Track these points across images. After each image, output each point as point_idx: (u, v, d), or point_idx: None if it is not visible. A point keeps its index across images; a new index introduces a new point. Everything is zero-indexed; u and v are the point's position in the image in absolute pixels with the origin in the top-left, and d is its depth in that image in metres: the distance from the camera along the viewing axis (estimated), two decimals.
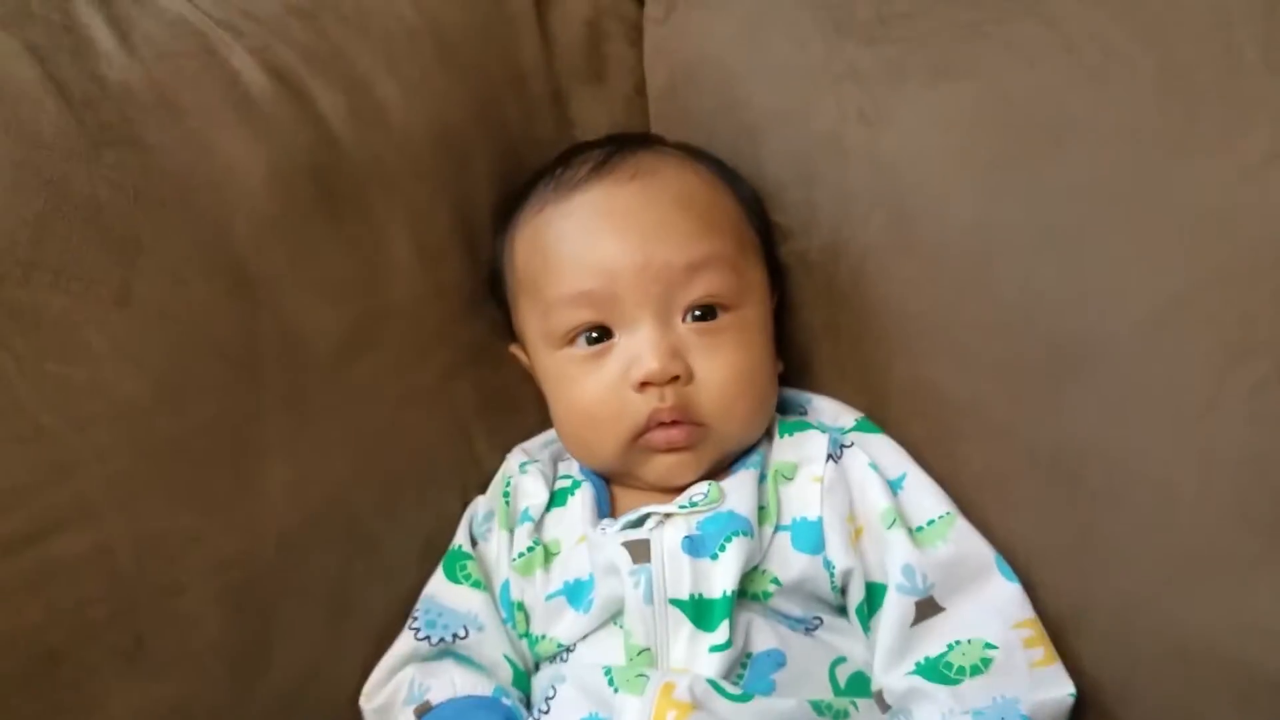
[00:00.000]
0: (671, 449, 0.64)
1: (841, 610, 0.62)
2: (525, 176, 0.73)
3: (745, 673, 0.58)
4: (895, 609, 0.58)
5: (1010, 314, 0.57)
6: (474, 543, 0.69)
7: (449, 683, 0.63)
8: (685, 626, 0.58)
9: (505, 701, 0.63)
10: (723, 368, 0.63)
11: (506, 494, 0.69)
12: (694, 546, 0.59)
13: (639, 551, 0.60)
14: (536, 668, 0.66)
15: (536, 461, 0.70)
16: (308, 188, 0.64)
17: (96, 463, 0.55)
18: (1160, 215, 0.52)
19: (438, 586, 0.68)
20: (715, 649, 0.57)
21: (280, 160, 0.63)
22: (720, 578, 0.58)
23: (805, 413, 0.70)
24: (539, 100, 0.77)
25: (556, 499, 0.68)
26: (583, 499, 0.66)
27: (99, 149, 0.57)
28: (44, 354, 0.54)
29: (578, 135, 0.79)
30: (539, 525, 0.67)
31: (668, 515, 0.61)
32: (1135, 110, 0.53)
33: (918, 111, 0.61)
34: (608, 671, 0.58)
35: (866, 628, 0.60)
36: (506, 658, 0.65)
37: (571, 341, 0.65)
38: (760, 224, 0.70)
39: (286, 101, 0.64)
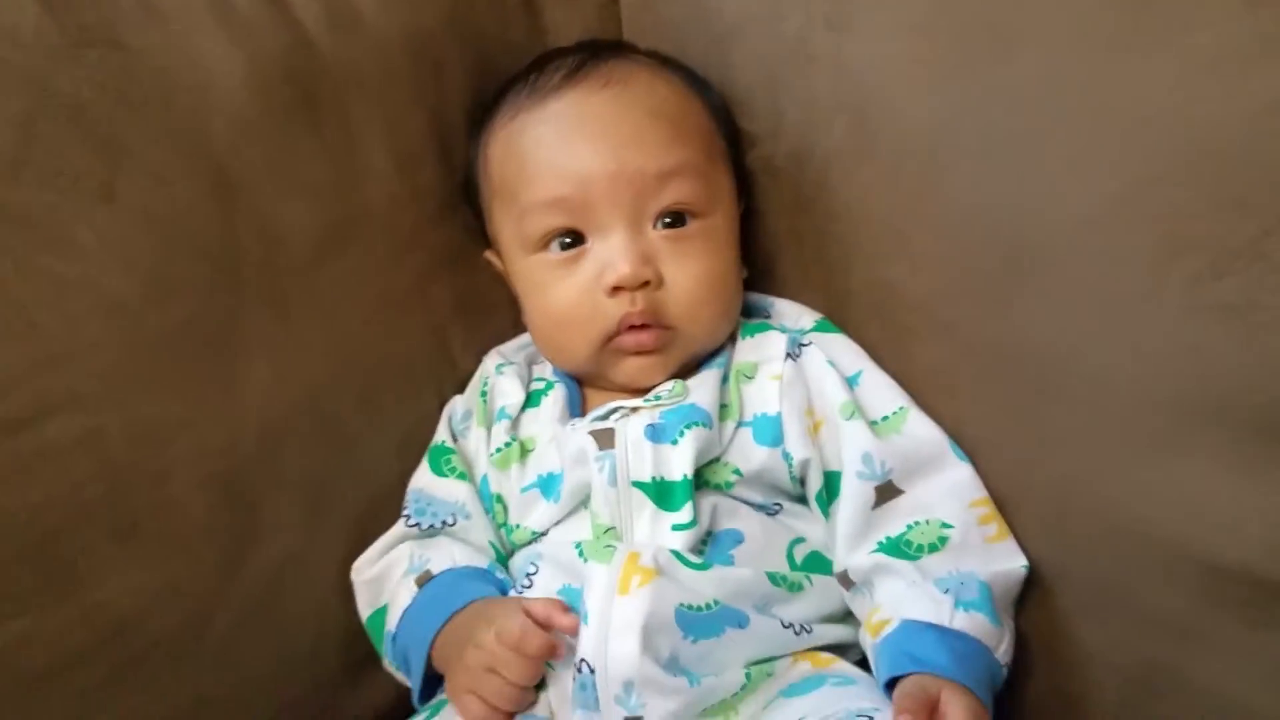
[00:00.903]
0: (640, 352, 0.66)
1: (801, 499, 0.65)
2: (499, 82, 0.74)
3: (706, 548, 0.62)
4: (856, 494, 0.61)
5: (962, 215, 0.59)
6: (454, 438, 0.72)
7: (448, 555, 0.66)
8: (648, 507, 0.61)
9: (499, 575, 0.66)
10: (691, 274, 0.66)
11: (484, 393, 0.72)
12: (655, 433, 0.62)
13: (604, 439, 0.63)
14: (512, 553, 0.69)
15: (513, 364, 0.73)
16: (284, 91, 0.65)
17: (87, 355, 0.58)
18: (1104, 117, 0.53)
19: (425, 479, 0.71)
20: (679, 527, 0.61)
21: (258, 64, 0.64)
22: (678, 462, 0.61)
23: (768, 316, 0.73)
24: (512, 8, 0.78)
25: (531, 399, 0.71)
26: (554, 399, 0.69)
27: (80, 49, 0.59)
28: (34, 250, 0.56)
29: (550, 41, 0.79)
30: (515, 423, 0.70)
31: (635, 409, 0.64)
32: (1086, 11, 0.53)
33: (880, 16, 0.62)
34: (578, 545, 0.62)
35: (826, 513, 0.64)
36: (491, 543, 0.69)
37: (545, 246, 0.67)
38: (729, 132, 0.72)
39: (263, 6, 0.65)
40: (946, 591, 0.57)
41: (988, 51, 0.57)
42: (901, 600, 0.58)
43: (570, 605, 0.57)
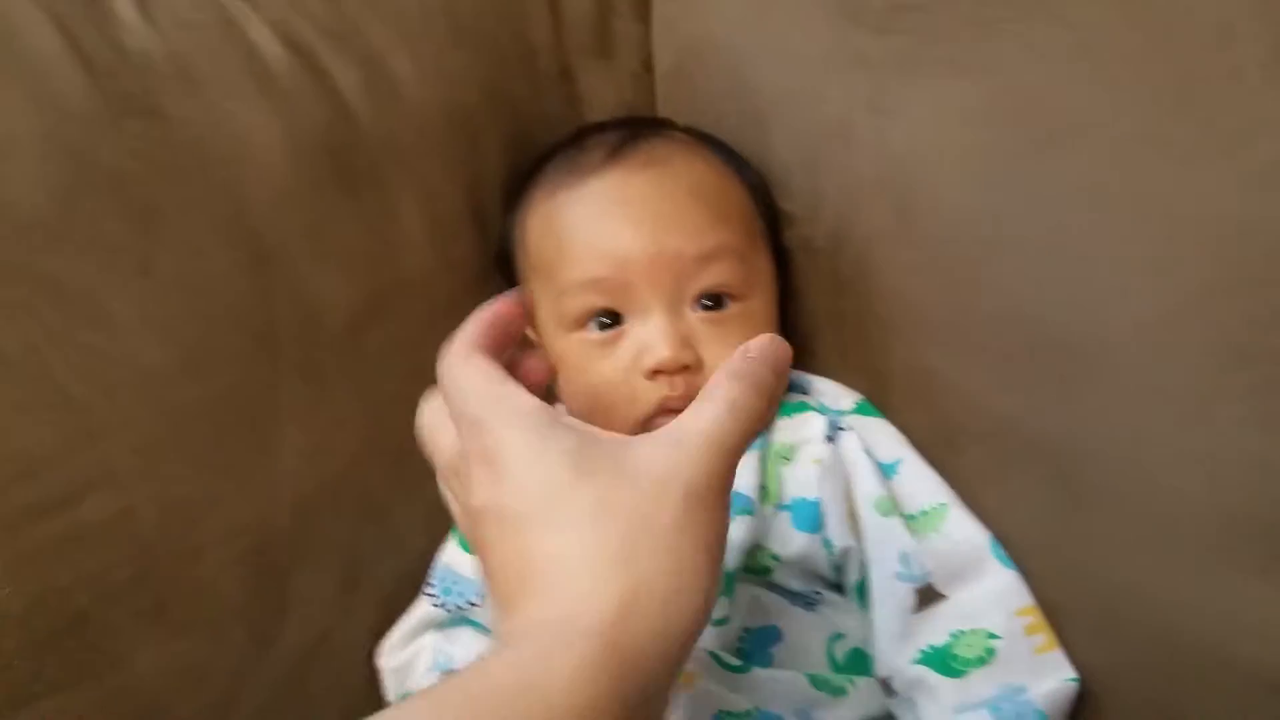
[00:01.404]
0: None
1: (838, 587, 0.64)
2: (535, 153, 0.74)
3: (743, 646, 0.60)
4: (894, 595, 0.60)
5: (1013, 308, 0.59)
6: None
7: (472, 651, 0.65)
8: None
9: None
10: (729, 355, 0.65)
11: None
12: None
13: None
14: None
15: None
16: (323, 162, 0.65)
17: (122, 429, 0.57)
18: (1168, 220, 0.53)
19: (452, 555, 0.69)
20: (714, 623, 0.59)
21: (297, 134, 0.64)
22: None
23: (806, 394, 0.72)
24: (548, 77, 0.78)
25: None
26: None
27: (121, 119, 0.58)
28: (72, 323, 0.55)
29: (585, 112, 0.80)
30: None
31: None
32: (1150, 116, 0.53)
33: (928, 103, 0.62)
34: None
35: (863, 604, 0.62)
36: None
37: (583, 325, 0.66)
38: (767, 211, 0.71)
39: (303, 75, 0.65)
40: None
41: (1044, 144, 0.57)
42: None
43: None
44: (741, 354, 0.47)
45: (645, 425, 0.65)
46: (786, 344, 0.48)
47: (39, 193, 0.55)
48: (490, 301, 0.50)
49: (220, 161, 0.61)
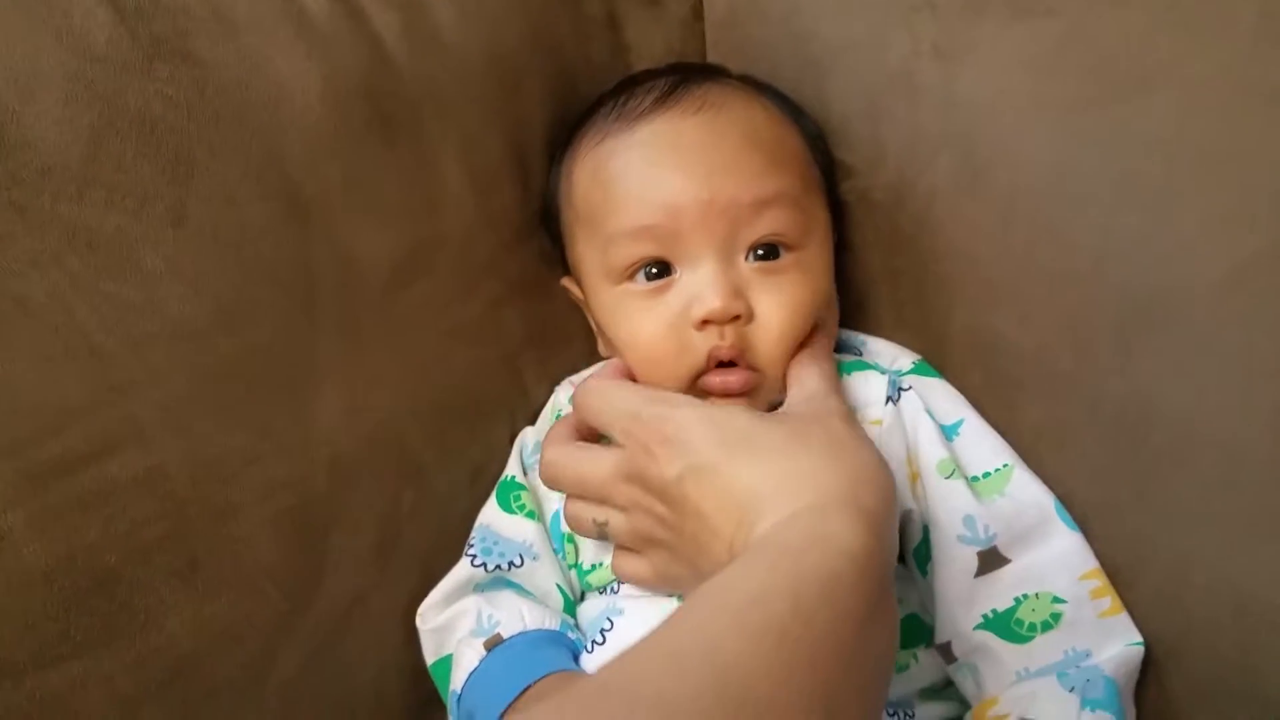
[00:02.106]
0: (727, 394, 0.63)
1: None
2: (581, 104, 0.71)
3: None
4: (957, 559, 0.58)
5: (1082, 264, 0.56)
6: (524, 473, 0.69)
7: (518, 615, 0.63)
8: None
9: (571, 635, 0.63)
10: (783, 308, 0.62)
11: None
12: None
13: None
14: (583, 597, 0.66)
15: None
16: (362, 109, 0.62)
17: (151, 384, 0.55)
18: (1247, 171, 0.50)
19: (492, 515, 0.68)
20: None
21: (335, 80, 0.61)
22: None
23: (860, 354, 0.69)
24: (593, 23, 0.75)
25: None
26: None
27: (152, 62, 0.55)
28: (100, 273, 0.53)
29: (632, 60, 0.77)
30: None
31: None
32: (1229, 60, 0.50)
33: (995, 49, 0.59)
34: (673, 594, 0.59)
35: (923, 571, 0.60)
36: (558, 586, 0.66)
37: (631, 276, 0.64)
38: (824, 162, 0.68)
39: (341, 19, 0.62)
40: (1071, 690, 0.53)
41: (1118, 91, 0.54)
42: (1022, 698, 0.54)
43: None
44: (801, 352, 0.61)
45: (693, 381, 0.62)
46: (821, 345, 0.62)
47: (64, 136, 0.52)
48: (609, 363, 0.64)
49: (255, 107, 0.59)
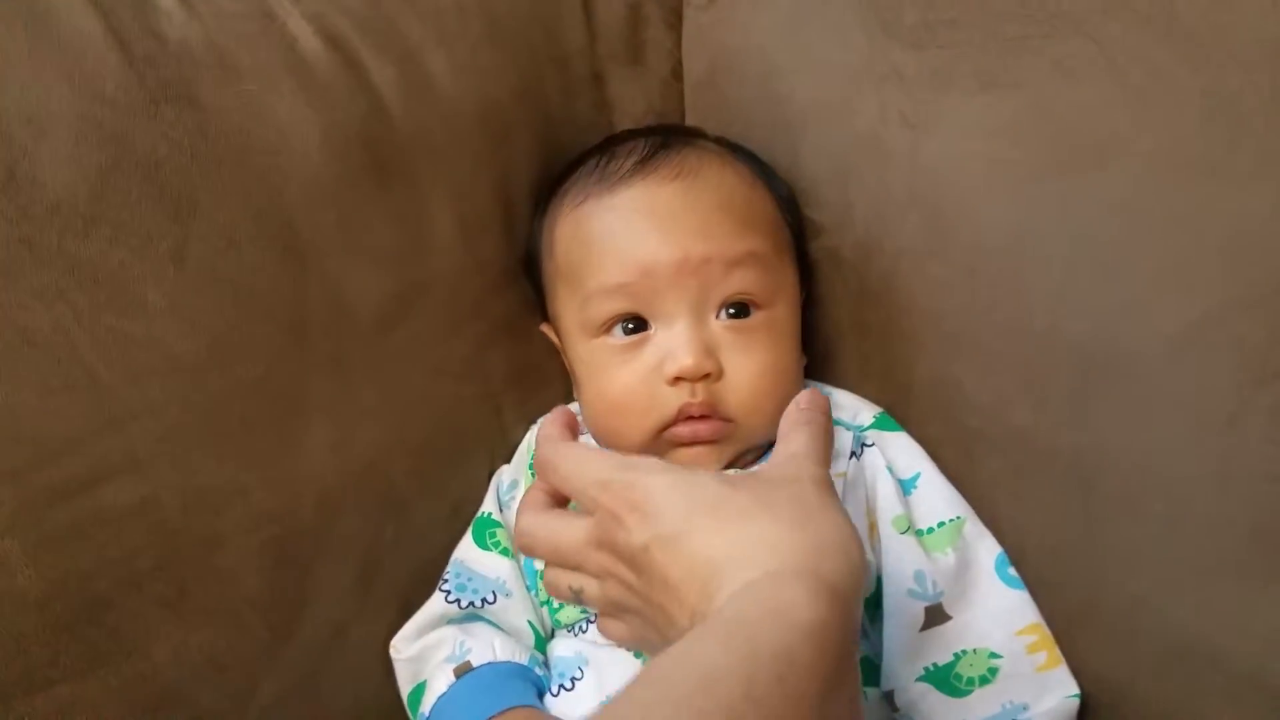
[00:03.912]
0: (696, 442, 0.65)
1: None
2: (565, 156, 0.74)
3: None
4: (904, 612, 0.61)
5: (1039, 321, 0.59)
6: (500, 510, 0.71)
7: (489, 646, 0.65)
8: None
9: (538, 671, 0.65)
10: (752, 366, 0.65)
11: (531, 466, 0.71)
12: None
13: None
14: (553, 634, 0.68)
15: None
16: (359, 156, 0.65)
17: (149, 416, 0.56)
18: (1195, 237, 0.53)
19: (467, 552, 0.70)
20: None
21: (333, 128, 0.63)
22: None
23: None
24: (579, 80, 0.78)
25: None
26: None
27: (158, 106, 0.58)
28: (102, 307, 0.55)
29: (615, 117, 0.80)
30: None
31: None
32: (1177, 133, 0.54)
33: (960, 118, 0.62)
34: (639, 655, 0.60)
35: (872, 619, 0.63)
36: (530, 623, 0.67)
37: (607, 331, 0.66)
38: (794, 223, 0.72)
39: (341, 69, 0.65)
40: None
41: (1076, 160, 0.57)
42: None
43: None
44: (795, 406, 0.57)
45: (660, 434, 0.65)
46: (822, 395, 0.58)
47: (73, 175, 0.54)
48: (556, 410, 0.59)
49: (257, 152, 0.61)
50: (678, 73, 0.83)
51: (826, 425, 0.56)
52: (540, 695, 0.64)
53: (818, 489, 0.51)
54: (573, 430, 0.57)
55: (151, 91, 0.58)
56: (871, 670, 0.62)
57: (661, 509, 0.50)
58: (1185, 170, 0.54)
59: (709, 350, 0.64)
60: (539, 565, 0.67)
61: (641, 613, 0.52)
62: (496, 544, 0.69)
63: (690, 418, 0.65)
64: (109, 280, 0.55)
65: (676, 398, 0.64)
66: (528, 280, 0.75)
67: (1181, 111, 0.54)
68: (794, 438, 0.55)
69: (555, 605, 0.67)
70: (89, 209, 0.55)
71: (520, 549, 0.59)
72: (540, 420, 0.75)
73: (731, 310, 0.65)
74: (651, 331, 0.66)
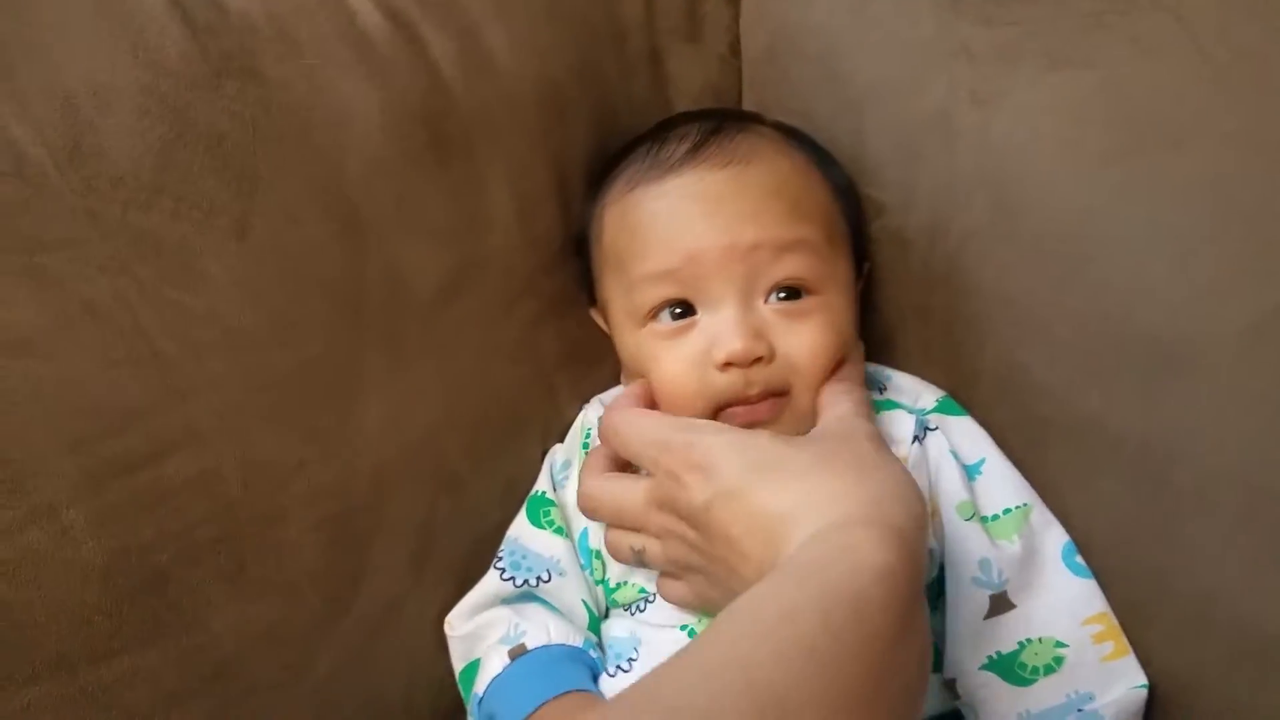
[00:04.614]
0: (753, 422, 0.64)
1: None
2: (621, 135, 0.73)
3: None
4: (970, 600, 0.60)
5: (1111, 307, 0.57)
6: (554, 489, 0.71)
7: (543, 628, 0.65)
8: None
9: (592, 654, 0.64)
10: (806, 343, 0.63)
11: (585, 444, 0.71)
12: None
13: None
14: (607, 613, 0.67)
15: None
16: (419, 133, 0.64)
17: (209, 390, 0.56)
18: (1273, 224, 0.52)
19: (521, 530, 0.69)
20: None
21: (394, 103, 0.63)
22: None
23: (885, 389, 0.71)
24: (637, 57, 0.77)
25: None
26: None
27: (220, 79, 0.57)
28: (164, 280, 0.55)
29: (671, 95, 0.79)
30: None
31: None
32: (1262, 114, 0.52)
33: (1031, 97, 0.61)
34: (691, 633, 0.60)
35: (934, 606, 0.62)
36: (584, 602, 0.67)
37: (654, 317, 0.65)
38: (852, 213, 0.70)
39: (401, 44, 0.64)
40: None
41: (1152, 142, 0.56)
42: None
43: None
44: (831, 380, 0.61)
45: (715, 415, 0.64)
46: (856, 367, 0.63)
47: (136, 147, 0.54)
48: (636, 382, 0.64)
49: (318, 127, 0.60)
50: (736, 49, 0.81)
51: (863, 394, 0.60)
52: (595, 677, 0.64)
53: (873, 444, 0.53)
54: (646, 402, 0.61)
55: (214, 64, 0.57)
56: (934, 656, 0.61)
57: (720, 467, 0.52)
58: (1265, 155, 0.52)
59: (759, 333, 0.62)
60: (594, 540, 0.67)
61: (704, 570, 0.54)
62: (551, 523, 0.69)
63: (745, 402, 0.63)
64: (171, 253, 0.55)
65: (730, 386, 0.63)
66: (579, 263, 0.74)
67: (1268, 91, 0.52)
68: (839, 402, 0.59)
69: (612, 585, 0.66)
70: (152, 181, 0.55)
71: (583, 510, 0.61)
72: (593, 399, 0.75)
73: (782, 294, 0.64)
74: (699, 317, 0.64)
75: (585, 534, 0.68)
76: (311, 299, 0.60)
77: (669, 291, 0.64)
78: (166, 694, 0.56)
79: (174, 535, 0.55)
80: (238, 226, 0.57)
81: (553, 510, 0.70)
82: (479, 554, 0.69)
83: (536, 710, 0.61)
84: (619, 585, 0.66)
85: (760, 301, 0.64)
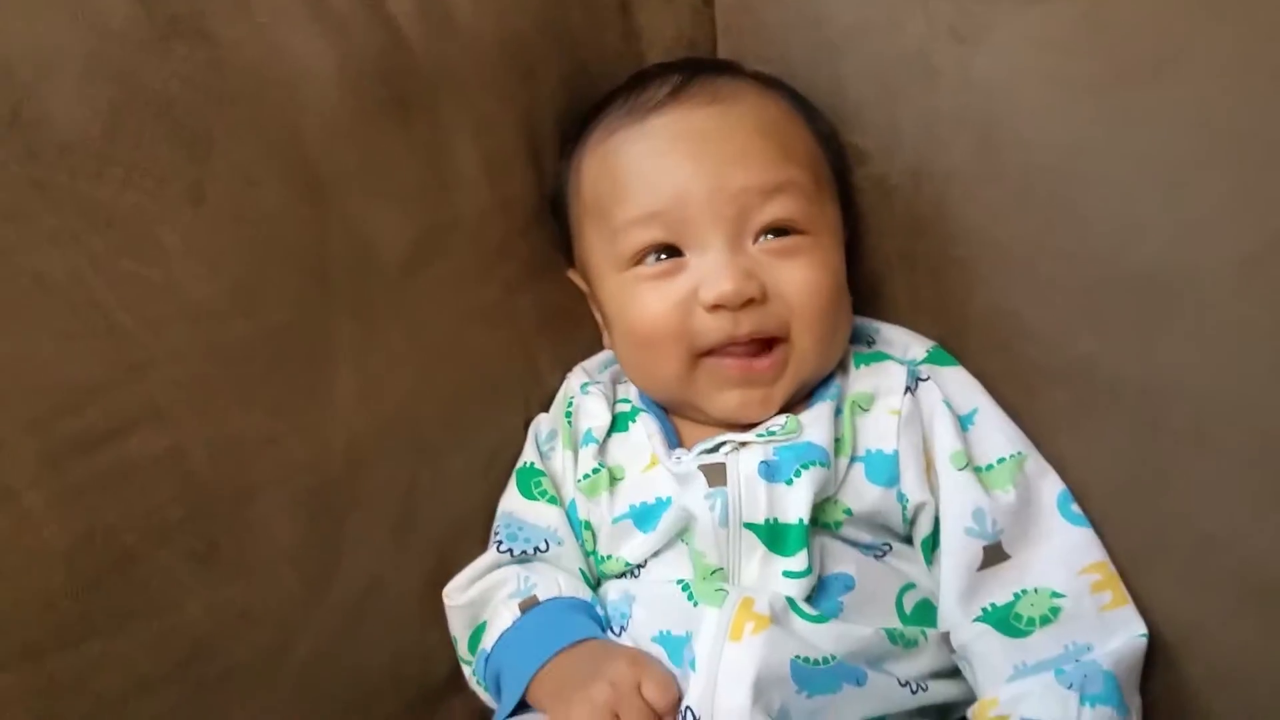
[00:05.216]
0: (748, 382, 0.62)
1: (908, 539, 0.62)
2: (593, 90, 0.71)
3: (814, 595, 0.58)
4: (963, 551, 0.58)
5: (1102, 245, 0.56)
6: (541, 458, 0.69)
7: (554, 582, 0.63)
8: (759, 550, 0.58)
9: (600, 610, 0.63)
10: (799, 279, 0.62)
11: (569, 414, 0.69)
12: (770, 471, 0.59)
13: (715, 475, 0.59)
14: (599, 583, 0.66)
15: (598, 383, 0.70)
16: (378, 91, 0.62)
17: (170, 363, 0.54)
18: (1267, 151, 0.49)
19: (514, 502, 0.68)
20: (791, 574, 0.57)
21: (350, 61, 0.60)
22: (794, 505, 0.58)
23: (874, 342, 0.69)
24: (605, 9, 0.75)
25: (617, 423, 0.67)
26: (645, 427, 0.65)
27: (168, 41, 0.55)
28: (118, 251, 0.53)
29: (644, 46, 0.77)
30: (602, 448, 0.66)
31: (744, 443, 0.60)
32: (1248, 39, 0.50)
33: (1013, 30, 0.58)
34: (686, 587, 0.58)
35: (929, 559, 0.61)
36: (581, 571, 0.65)
37: (639, 261, 0.63)
38: (836, 162, 0.68)
39: (357, 1, 0.62)
40: (1070, 687, 0.53)
41: (1138, 72, 0.54)
42: (1021, 698, 0.54)
43: (672, 651, 0.55)
44: None
45: (696, 361, 0.62)
46: None
47: (83, 113, 0.52)
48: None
49: (272, 87, 0.58)
50: None
51: None
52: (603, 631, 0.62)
53: None
54: None
55: (161, 26, 0.55)
56: (931, 612, 0.60)
57: None
58: (1257, 79, 0.50)
59: (749, 274, 0.61)
60: (583, 511, 0.65)
61: None
62: (543, 493, 0.67)
63: (739, 353, 0.62)
64: (124, 223, 0.53)
65: (718, 328, 0.61)
66: (555, 223, 0.72)
67: (1253, 15, 0.50)
68: None
69: (601, 555, 0.64)
70: (100, 149, 0.52)
71: None
72: (575, 367, 0.73)
73: (771, 234, 0.62)
74: (686, 259, 0.62)
75: (573, 505, 0.66)
76: (274, 266, 0.58)
77: (655, 235, 0.62)
78: (139, 679, 0.54)
79: (140, 515, 0.53)
80: (192, 193, 0.55)
81: (543, 480, 0.68)
82: (462, 527, 0.67)
83: (552, 658, 0.59)
84: (608, 557, 0.64)
85: (750, 243, 0.62)
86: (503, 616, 0.62)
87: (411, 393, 0.64)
